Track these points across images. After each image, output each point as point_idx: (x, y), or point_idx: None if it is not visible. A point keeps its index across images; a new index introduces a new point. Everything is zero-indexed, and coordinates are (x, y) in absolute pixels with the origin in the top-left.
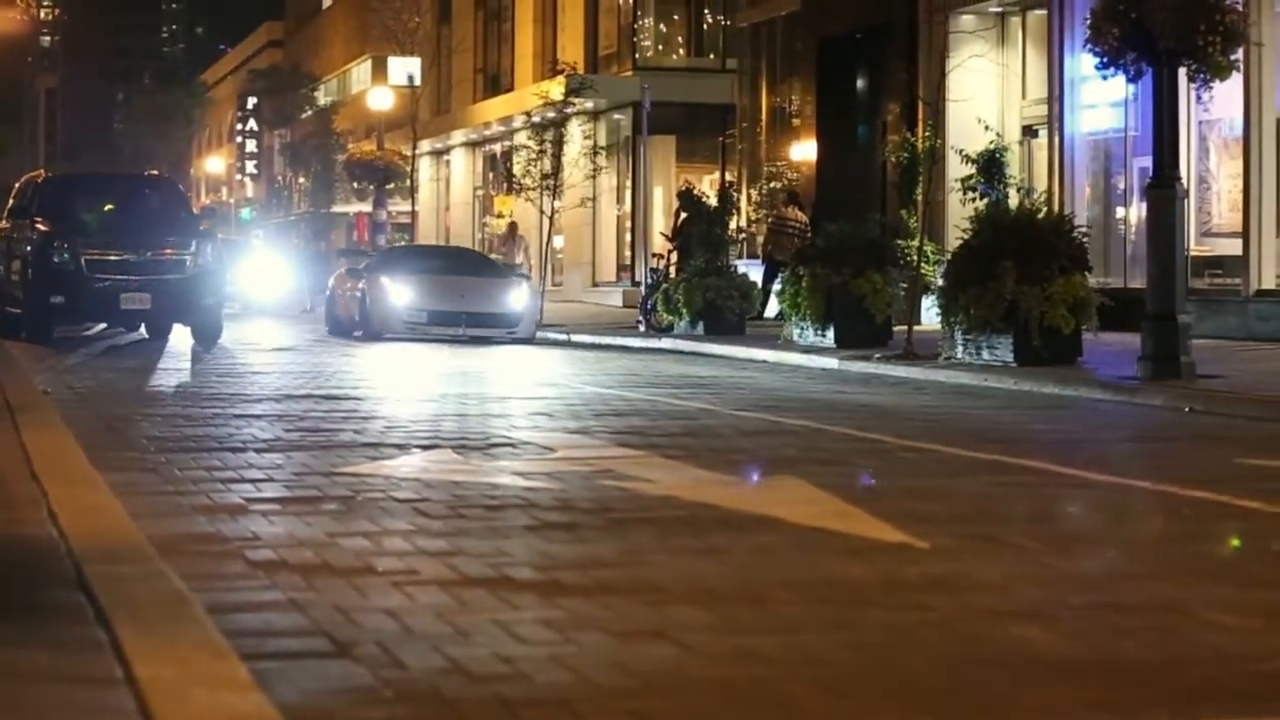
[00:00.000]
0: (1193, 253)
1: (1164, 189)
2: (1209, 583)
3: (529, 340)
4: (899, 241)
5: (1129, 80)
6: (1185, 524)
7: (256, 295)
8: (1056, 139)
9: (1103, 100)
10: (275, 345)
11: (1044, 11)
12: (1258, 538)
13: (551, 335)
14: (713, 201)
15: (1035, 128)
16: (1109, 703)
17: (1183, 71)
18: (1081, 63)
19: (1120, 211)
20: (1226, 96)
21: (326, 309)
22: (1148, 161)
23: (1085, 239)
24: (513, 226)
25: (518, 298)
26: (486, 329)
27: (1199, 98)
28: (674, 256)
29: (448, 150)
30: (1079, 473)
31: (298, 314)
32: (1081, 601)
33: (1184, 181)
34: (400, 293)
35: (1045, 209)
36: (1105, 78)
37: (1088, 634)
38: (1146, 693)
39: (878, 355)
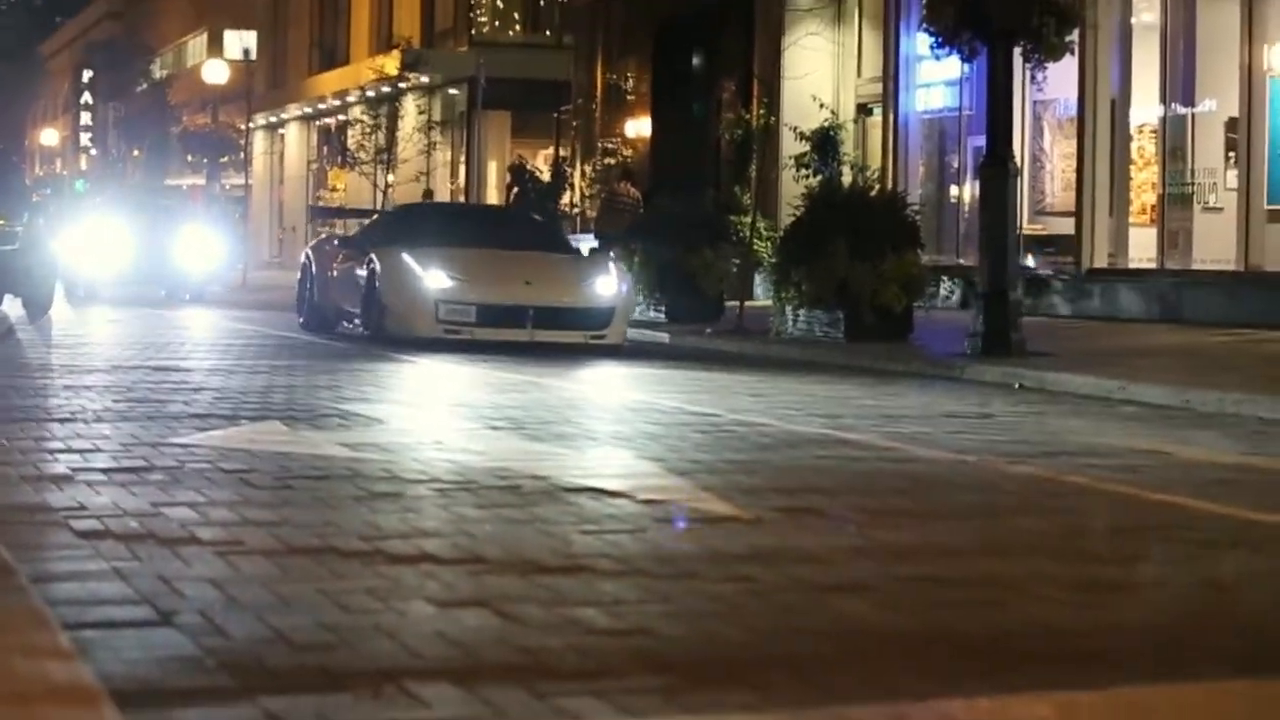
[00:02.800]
0: (1026, 231)
1: (997, 168)
2: (1034, 557)
3: (619, 348)
4: (732, 218)
5: (963, 60)
6: (1010, 499)
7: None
8: (891, 117)
9: (938, 79)
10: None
11: None
12: (1082, 513)
13: None
14: (546, 177)
15: (870, 106)
16: (930, 673)
17: (1017, 52)
18: (917, 42)
19: (954, 190)
20: (1061, 77)
21: (300, 293)
22: (982, 140)
23: (918, 217)
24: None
25: (606, 284)
26: (563, 330)
27: (1033, 78)
28: None
29: (282, 124)
30: (905, 447)
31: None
32: (905, 574)
33: (1017, 161)
34: (435, 276)
35: (878, 187)
36: (939, 57)
37: (911, 606)
38: (968, 664)
39: (709, 330)
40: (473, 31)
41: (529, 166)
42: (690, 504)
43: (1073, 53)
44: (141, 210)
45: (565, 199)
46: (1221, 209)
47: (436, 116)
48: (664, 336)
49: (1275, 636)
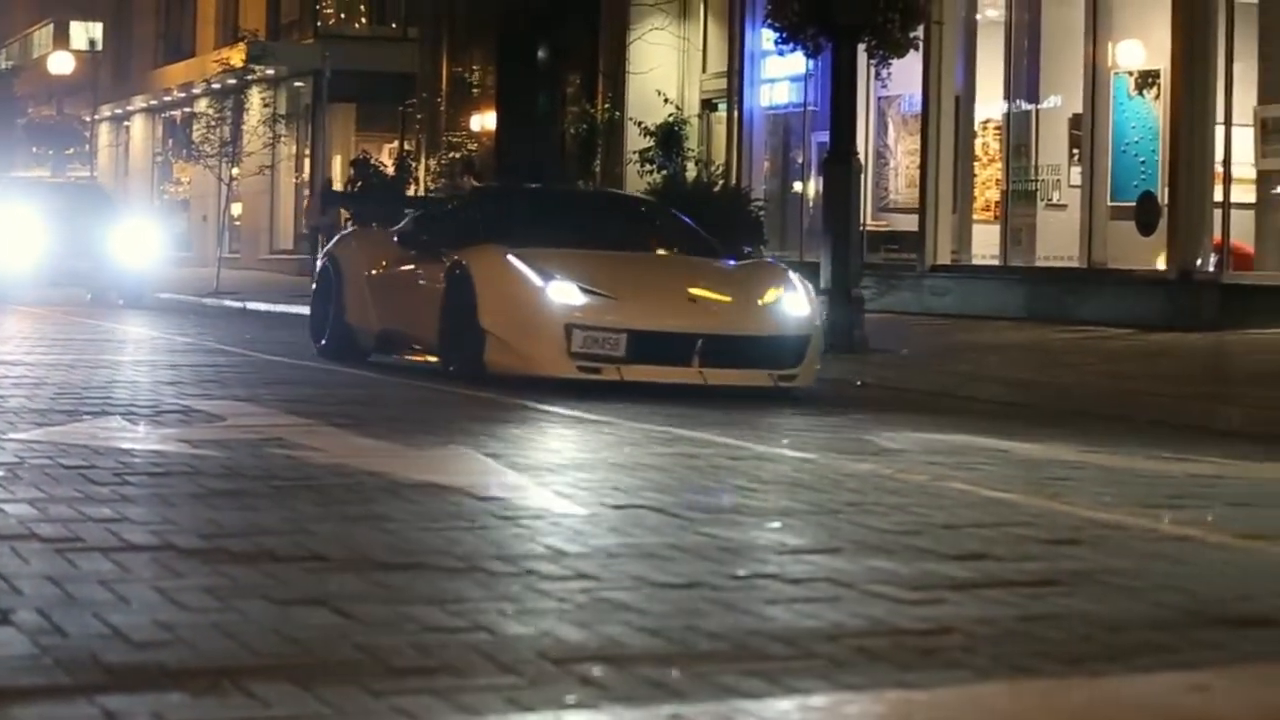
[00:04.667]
0: (870, 228)
1: (840, 164)
2: (872, 555)
3: (808, 389)
4: None
5: (808, 56)
6: (851, 496)
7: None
8: (736, 113)
9: (783, 75)
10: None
11: None
12: (921, 511)
13: (228, 303)
14: (390, 171)
15: (715, 101)
16: (766, 672)
17: (862, 48)
18: (762, 37)
19: (798, 186)
20: (907, 73)
21: (317, 308)
22: (826, 136)
23: (762, 212)
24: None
25: (796, 303)
26: (742, 369)
27: (878, 74)
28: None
29: (128, 116)
30: (746, 444)
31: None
32: (744, 572)
33: (861, 157)
34: (564, 288)
35: (723, 182)
36: (783, 53)
37: (747, 604)
38: (805, 663)
39: None
40: (318, 24)
41: (373, 160)
42: (529, 502)
43: (917, 49)
44: (59, 201)
45: (410, 193)
46: (1065, 206)
47: (282, 109)
48: None
49: (1110, 633)
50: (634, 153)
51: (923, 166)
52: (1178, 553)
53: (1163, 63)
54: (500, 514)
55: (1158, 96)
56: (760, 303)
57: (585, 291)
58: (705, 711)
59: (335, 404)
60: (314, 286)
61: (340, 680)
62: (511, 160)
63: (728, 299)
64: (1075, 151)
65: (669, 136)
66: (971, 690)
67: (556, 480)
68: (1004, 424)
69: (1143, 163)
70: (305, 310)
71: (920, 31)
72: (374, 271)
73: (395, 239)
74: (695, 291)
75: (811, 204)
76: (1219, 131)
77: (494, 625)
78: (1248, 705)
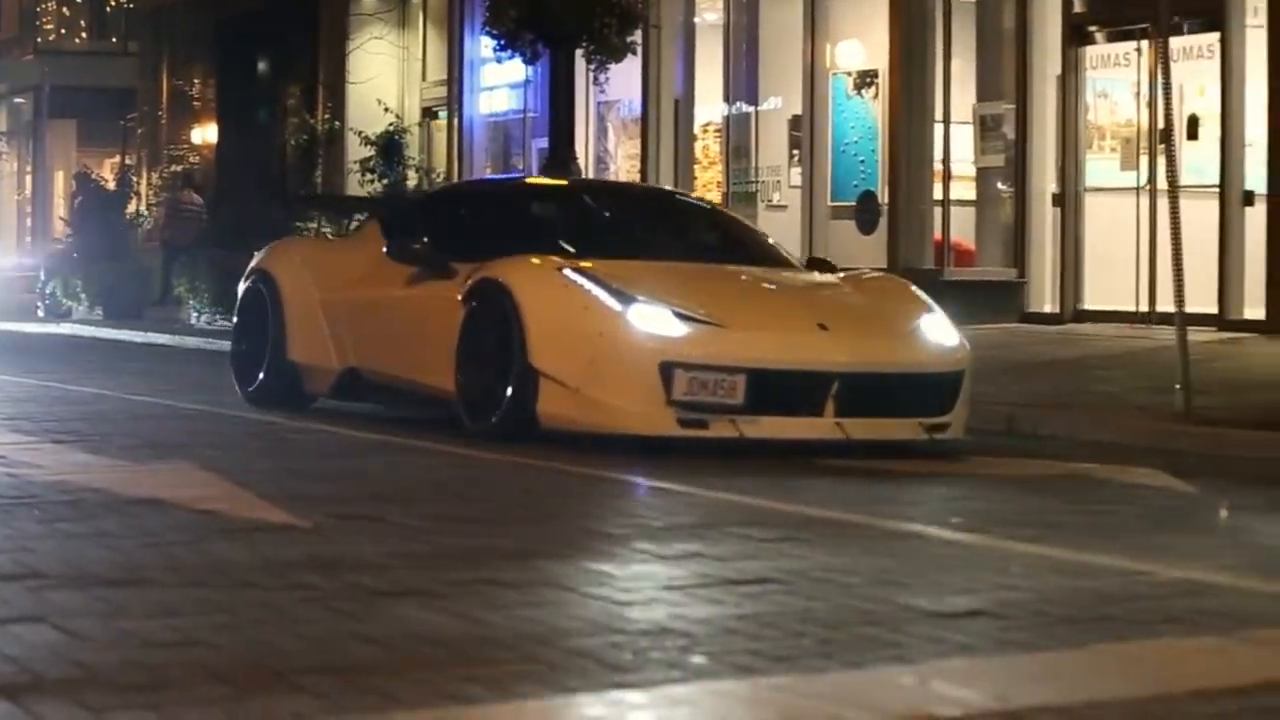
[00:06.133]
0: None
1: (560, 169)
2: (588, 557)
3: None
4: (298, 224)
5: (526, 62)
6: (581, 503)
7: None
8: (456, 120)
9: (502, 82)
10: None
11: None
12: (640, 512)
13: None
14: (112, 186)
15: (436, 109)
16: (485, 677)
17: (580, 53)
18: (481, 45)
19: None
20: (626, 78)
21: (241, 343)
22: (546, 142)
23: None
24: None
25: (938, 328)
26: (888, 417)
27: (596, 79)
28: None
29: None
30: (474, 453)
31: None
32: (462, 578)
33: (581, 162)
34: (654, 314)
35: None
36: (502, 60)
37: (466, 610)
38: (521, 666)
39: None
40: (38, 40)
41: (94, 176)
42: (250, 514)
43: (635, 53)
44: None
45: (130, 208)
46: (786, 206)
47: (3, 127)
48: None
49: (827, 630)
50: (355, 162)
51: (643, 170)
52: (900, 549)
53: (881, 62)
54: (221, 528)
55: (876, 96)
56: (905, 329)
57: (683, 318)
58: (427, 718)
59: (58, 420)
60: (236, 317)
61: (59, 697)
62: (232, 172)
63: (863, 325)
64: (795, 152)
65: (390, 145)
66: (688, 689)
67: (276, 490)
68: None
69: (862, 162)
70: (27, 328)
71: (638, 36)
72: (334, 292)
73: (384, 250)
74: (822, 314)
75: None
76: (938, 130)
77: (212, 638)
78: (965, 696)
